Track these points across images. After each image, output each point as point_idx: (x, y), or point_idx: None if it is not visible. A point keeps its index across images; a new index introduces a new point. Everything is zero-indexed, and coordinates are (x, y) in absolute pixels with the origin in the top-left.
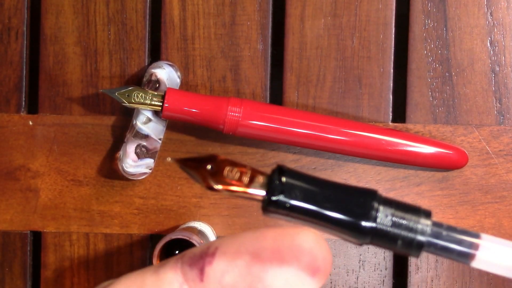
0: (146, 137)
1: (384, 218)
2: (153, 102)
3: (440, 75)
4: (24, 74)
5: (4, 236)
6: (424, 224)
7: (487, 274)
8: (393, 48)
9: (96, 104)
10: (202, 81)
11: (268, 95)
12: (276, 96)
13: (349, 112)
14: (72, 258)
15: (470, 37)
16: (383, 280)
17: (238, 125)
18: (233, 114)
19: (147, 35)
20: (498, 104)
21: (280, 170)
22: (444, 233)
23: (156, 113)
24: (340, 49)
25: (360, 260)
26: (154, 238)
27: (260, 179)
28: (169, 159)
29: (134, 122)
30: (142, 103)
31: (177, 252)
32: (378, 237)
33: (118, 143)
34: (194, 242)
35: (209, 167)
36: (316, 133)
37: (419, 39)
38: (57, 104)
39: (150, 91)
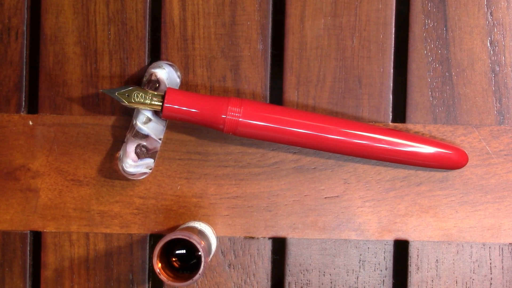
0: (146, 137)
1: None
2: (153, 102)
3: (440, 75)
4: (24, 74)
5: (4, 236)
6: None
7: (488, 274)
8: (393, 48)
9: (96, 104)
10: (202, 81)
11: (268, 95)
12: (276, 96)
13: (349, 112)
14: (72, 258)
15: (470, 37)
16: (383, 280)
17: (238, 125)
18: (233, 114)
19: (147, 35)
20: (498, 104)
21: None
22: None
23: (156, 113)
24: (340, 49)
25: (360, 260)
26: (154, 238)
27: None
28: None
29: (134, 122)
30: (142, 103)
31: (177, 252)
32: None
33: (118, 143)
34: (194, 242)
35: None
36: (316, 133)
37: (419, 39)
38: (57, 104)
39: (150, 91)
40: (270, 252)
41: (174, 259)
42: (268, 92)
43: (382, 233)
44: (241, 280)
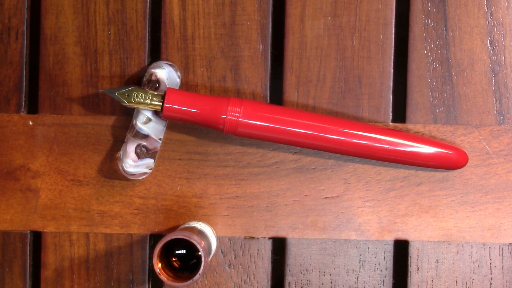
0: (146, 137)
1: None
2: (153, 102)
3: (440, 75)
4: (24, 74)
5: (4, 236)
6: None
7: (488, 274)
8: (393, 48)
9: (96, 104)
10: (202, 81)
11: (268, 95)
12: (276, 96)
13: (349, 112)
14: (72, 258)
15: (470, 37)
16: (383, 280)
17: (238, 125)
18: (233, 114)
19: (147, 35)
20: (498, 104)
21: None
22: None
23: (156, 113)
24: (340, 49)
25: (360, 260)
26: (154, 238)
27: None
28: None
29: (134, 122)
30: (142, 103)
31: (177, 252)
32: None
33: (118, 143)
34: (194, 242)
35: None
36: (316, 133)
37: (419, 39)
38: (57, 104)
39: (150, 91)
40: (270, 252)
41: (174, 259)
42: (268, 92)
43: (382, 233)
44: (241, 280)
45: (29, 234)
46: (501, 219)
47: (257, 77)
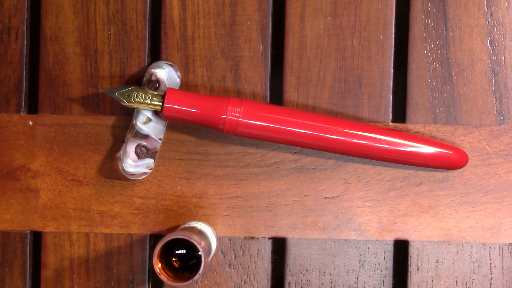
0: (146, 137)
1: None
2: (153, 102)
3: (440, 75)
4: (24, 74)
5: (4, 236)
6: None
7: (488, 274)
8: (393, 48)
9: (96, 104)
10: (202, 81)
11: (268, 95)
12: (276, 96)
13: (349, 112)
14: (72, 258)
15: (470, 37)
16: (383, 280)
17: (238, 125)
18: (233, 114)
19: (147, 35)
20: (498, 104)
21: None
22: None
23: (156, 113)
24: (340, 49)
25: (360, 260)
26: (154, 238)
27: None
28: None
29: (134, 122)
30: (142, 103)
31: (177, 252)
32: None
33: (118, 143)
34: (194, 242)
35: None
36: (316, 133)
37: (419, 39)
38: (57, 104)
39: (150, 91)
40: (270, 252)
41: (174, 259)
42: (268, 92)
43: (382, 233)
44: (241, 280)
45: (29, 234)
46: (501, 219)
47: (257, 77)
